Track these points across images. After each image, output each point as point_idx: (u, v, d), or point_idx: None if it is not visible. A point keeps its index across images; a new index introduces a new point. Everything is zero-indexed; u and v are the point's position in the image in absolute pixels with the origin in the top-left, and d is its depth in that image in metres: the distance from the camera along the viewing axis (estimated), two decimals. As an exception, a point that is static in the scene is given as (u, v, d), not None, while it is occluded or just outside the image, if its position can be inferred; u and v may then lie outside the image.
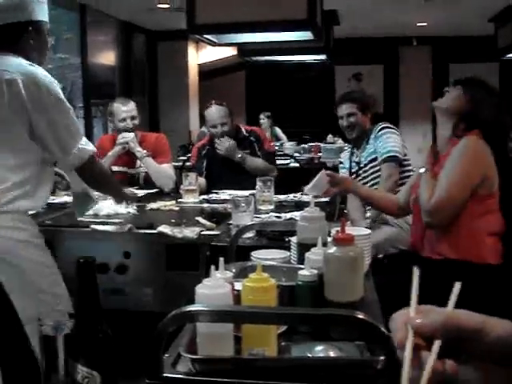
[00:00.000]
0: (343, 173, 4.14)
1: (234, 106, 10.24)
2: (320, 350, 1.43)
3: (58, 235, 2.93)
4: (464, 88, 2.78)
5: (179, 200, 3.76)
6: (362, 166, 3.98)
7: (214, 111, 4.38)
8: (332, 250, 1.62)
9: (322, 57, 7.99)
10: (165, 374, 1.29)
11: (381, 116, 4.26)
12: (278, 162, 4.93)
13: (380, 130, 3.88)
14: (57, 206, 3.52)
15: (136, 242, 2.94)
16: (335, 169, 6.44)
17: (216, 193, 4.11)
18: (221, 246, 2.68)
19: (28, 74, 2.38)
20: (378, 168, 3.84)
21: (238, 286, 1.48)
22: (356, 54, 10.55)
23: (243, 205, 2.94)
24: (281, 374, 1.31)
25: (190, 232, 2.85)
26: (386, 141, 3.81)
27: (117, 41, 8.29)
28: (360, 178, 3.95)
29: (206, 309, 1.27)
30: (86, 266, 1.07)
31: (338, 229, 1.67)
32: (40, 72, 2.43)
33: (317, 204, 2.10)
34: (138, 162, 4.31)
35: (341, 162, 4.39)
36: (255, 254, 2.04)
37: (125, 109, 4.28)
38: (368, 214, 3.71)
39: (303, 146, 8.16)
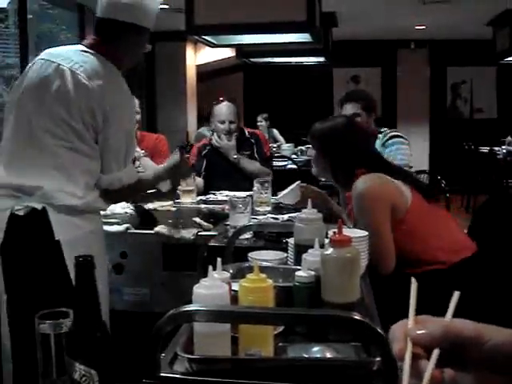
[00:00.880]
0: None
1: (232, 108, 10.25)
2: (316, 351, 1.44)
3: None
4: (316, 146, 2.83)
5: (176, 201, 3.77)
6: None
7: (225, 107, 4.38)
8: (329, 251, 1.62)
9: (321, 59, 8.01)
10: (162, 374, 1.29)
11: (378, 119, 4.22)
12: (275, 163, 4.94)
13: (390, 138, 3.82)
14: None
15: (133, 242, 2.94)
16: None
17: (213, 193, 4.11)
18: (218, 247, 2.68)
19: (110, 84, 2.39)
20: None
21: (235, 286, 1.49)
22: (354, 56, 10.57)
23: (240, 206, 2.95)
24: (277, 375, 1.31)
25: (188, 233, 2.86)
26: (396, 152, 3.78)
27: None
28: None
29: (203, 309, 1.27)
30: (84, 264, 1.08)
31: (335, 230, 1.68)
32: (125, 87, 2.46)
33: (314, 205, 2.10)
34: (137, 162, 4.31)
35: None
36: (252, 254, 2.04)
37: None
38: None
39: (301, 147, 8.16)
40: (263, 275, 1.45)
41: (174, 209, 3.57)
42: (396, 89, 10.64)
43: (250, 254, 2.04)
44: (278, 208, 3.56)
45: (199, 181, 4.27)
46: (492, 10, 7.36)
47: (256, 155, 4.39)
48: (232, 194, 3.83)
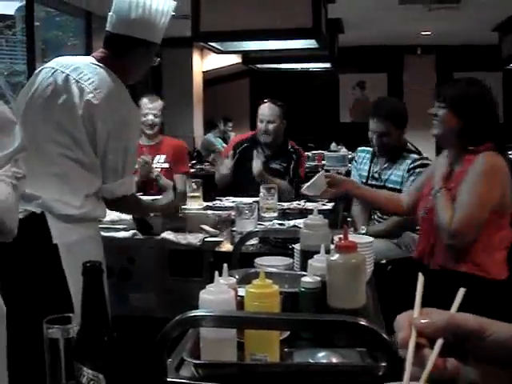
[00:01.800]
0: (356, 173, 3.90)
1: (238, 114, 10.30)
2: (322, 356, 1.44)
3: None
4: (450, 106, 2.66)
5: (183, 206, 3.78)
6: (379, 184, 3.66)
7: (266, 107, 4.40)
8: (335, 257, 1.63)
9: (327, 65, 8.02)
10: (168, 379, 1.30)
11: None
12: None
13: (416, 166, 3.52)
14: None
15: (140, 248, 2.95)
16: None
17: (220, 199, 4.12)
18: (224, 253, 2.69)
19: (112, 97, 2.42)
20: None
21: (241, 291, 1.49)
22: (360, 62, 10.57)
23: (247, 212, 2.96)
24: (283, 380, 1.32)
25: (194, 238, 2.87)
26: (411, 184, 3.36)
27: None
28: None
29: (209, 314, 1.28)
30: (92, 270, 1.09)
31: (341, 236, 1.69)
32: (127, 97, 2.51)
33: (320, 212, 2.11)
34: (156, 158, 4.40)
35: (354, 160, 4.04)
36: (258, 260, 2.04)
37: (150, 106, 4.48)
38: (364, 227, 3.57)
39: (307, 153, 8.15)
40: (269, 281, 1.46)
41: (180, 215, 3.56)
42: (402, 95, 10.63)
43: (256, 260, 2.04)
44: (284, 214, 3.57)
45: (227, 162, 4.29)
46: (498, 16, 7.37)
47: (291, 171, 4.36)
48: (238, 199, 3.84)
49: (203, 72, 9.37)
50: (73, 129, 2.36)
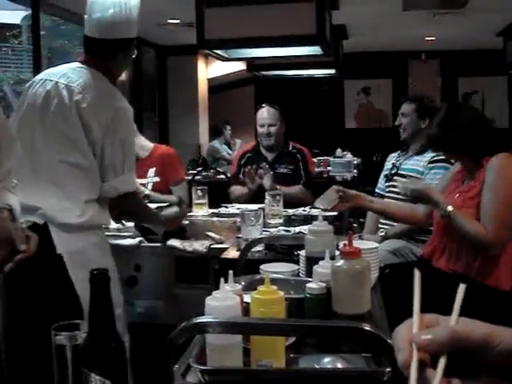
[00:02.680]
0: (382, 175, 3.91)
1: (243, 120, 10.31)
2: (327, 362, 1.45)
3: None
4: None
5: (189, 213, 3.79)
6: (393, 172, 3.74)
7: (265, 111, 4.43)
8: (339, 263, 1.64)
9: (331, 71, 8.01)
10: (175, 385, 1.31)
11: (389, 129, 4.18)
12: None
13: (438, 160, 3.54)
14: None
15: (146, 255, 2.96)
16: (345, 183, 6.38)
17: (225, 206, 4.13)
18: (230, 260, 2.70)
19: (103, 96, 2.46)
20: None
21: (246, 298, 1.50)
22: (365, 68, 10.57)
23: (252, 218, 2.97)
24: (289, 385, 1.33)
25: (200, 245, 2.88)
26: (432, 177, 3.49)
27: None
28: (390, 183, 3.72)
29: (215, 320, 1.29)
30: (99, 277, 1.10)
31: (346, 242, 1.70)
32: (119, 96, 2.51)
33: (325, 218, 2.12)
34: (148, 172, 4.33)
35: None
36: (264, 267, 2.05)
37: None
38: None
39: (313, 159, 8.15)
40: (274, 287, 1.47)
41: (186, 222, 3.57)
42: (407, 100, 10.63)
43: (261, 267, 2.05)
44: (290, 220, 3.58)
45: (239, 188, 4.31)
46: (502, 20, 7.36)
47: (302, 172, 4.37)
48: (244, 206, 3.85)
49: (208, 79, 9.39)
50: (69, 132, 2.39)
